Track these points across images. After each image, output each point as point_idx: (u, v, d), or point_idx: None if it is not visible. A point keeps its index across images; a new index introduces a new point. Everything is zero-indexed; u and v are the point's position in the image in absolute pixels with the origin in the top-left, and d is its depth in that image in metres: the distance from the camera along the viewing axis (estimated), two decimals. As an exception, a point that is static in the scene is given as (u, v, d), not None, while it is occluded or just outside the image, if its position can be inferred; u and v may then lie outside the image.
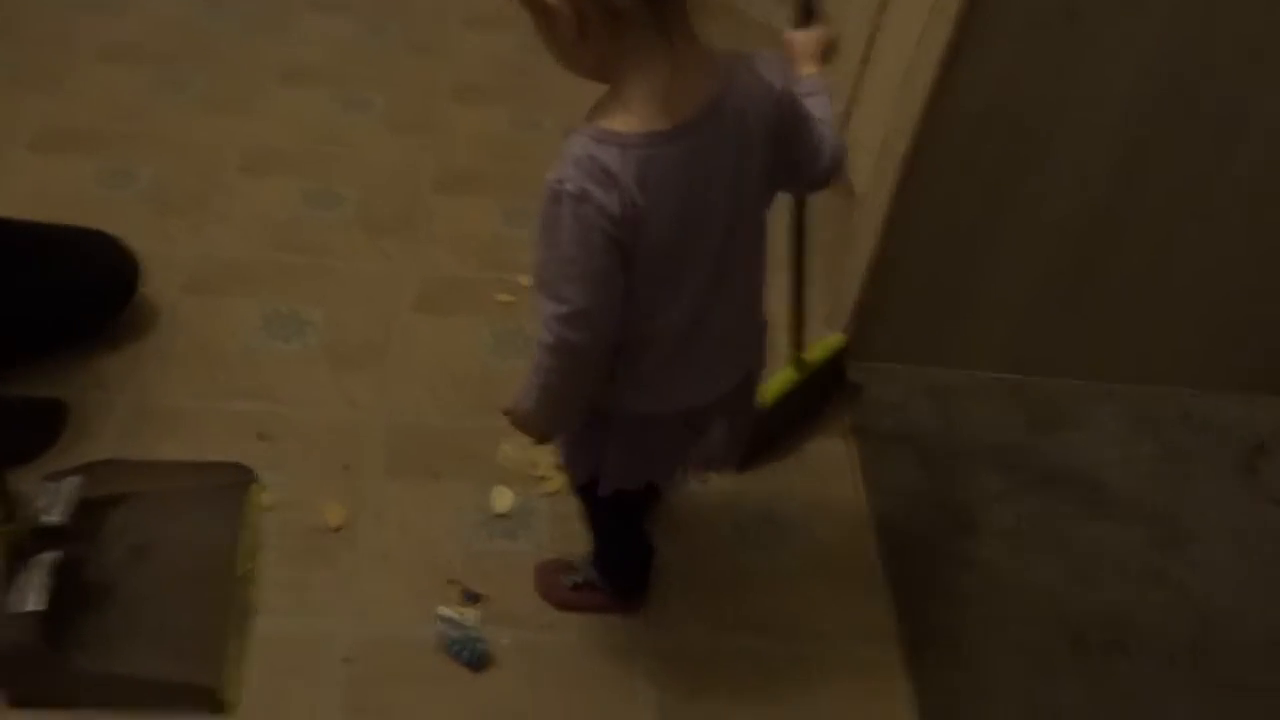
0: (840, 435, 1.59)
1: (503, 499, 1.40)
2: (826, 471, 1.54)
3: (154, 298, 1.59)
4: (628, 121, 0.82)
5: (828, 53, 1.06)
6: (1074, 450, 1.65)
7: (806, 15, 1.09)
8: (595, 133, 0.83)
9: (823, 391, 1.58)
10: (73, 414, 1.40)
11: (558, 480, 1.42)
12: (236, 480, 1.34)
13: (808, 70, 1.04)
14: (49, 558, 1.09)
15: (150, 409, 1.44)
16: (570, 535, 1.33)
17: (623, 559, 1.30)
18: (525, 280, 1.73)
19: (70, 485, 1.15)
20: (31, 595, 1.05)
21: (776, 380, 1.47)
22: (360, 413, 1.49)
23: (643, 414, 1.01)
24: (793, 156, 0.95)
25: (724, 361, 1.03)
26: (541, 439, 1.04)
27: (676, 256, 0.89)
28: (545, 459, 1.44)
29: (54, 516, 1.12)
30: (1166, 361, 1.73)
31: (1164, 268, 1.60)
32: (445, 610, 1.25)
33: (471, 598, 1.29)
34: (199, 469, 1.34)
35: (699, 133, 0.84)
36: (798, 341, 1.48)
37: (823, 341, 1.57)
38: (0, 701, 1.10)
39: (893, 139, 1.48)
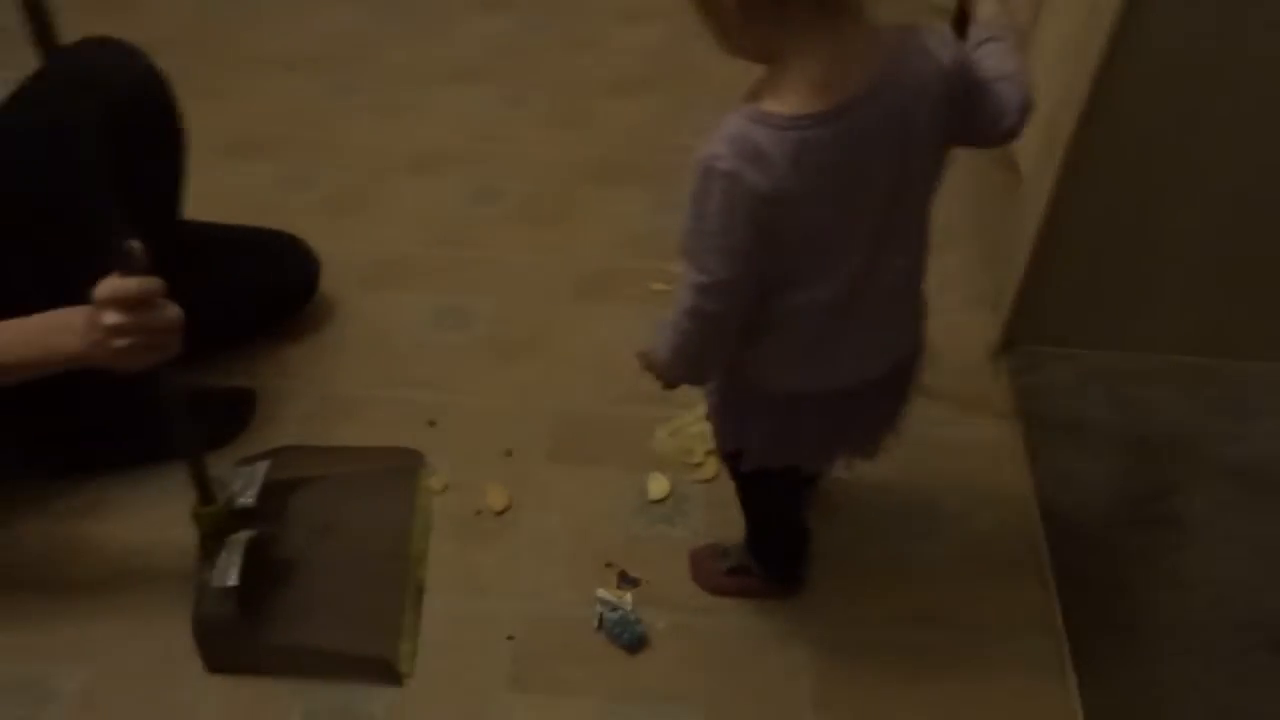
0: (1007, 420, 1.54)
1: (658, 485, 1.42)
2: (992, 458, 1.49)
3: (332, 294, 1.69)
4: (786, 102, 0.83)
5: None
6: (1263, 437, 1.54)
7: None
8: (751, 113, 0.83)
9: None
10: (261, 401, 1.50)
11: (713, 466, 1.43)
12: (408, 464, 1.41)
13: (986, 11, 1.01)
14: (243, 537, 1.17)
15: (330, 397, 1.53)
16: (725, 521, 1.33)
17: (777, 543, 1.30)
18: (678, 268, 1.74)
19: (260, 470, 1.25)
20: (230, 572, 1.13)
21: None
22: (523, 400, 1.55)
23: (791, 392, 1.01)
24: (972, 125, 0.92)
25: (877, 343, 1.02)
26: (670, 385, 1.07)
27: (831, 235, 0.89)
28: (700, 445, 1.46)
29: (247, 499, 1.21)
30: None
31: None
32: (603, 593, 1.29)
33: (629, 581, 1.31)
34: (373, 454, 1.42)
35: (859, 113, 0.83)
36: None
37: None
38: (199, 668, 1.20)
39: (1060, 112, 1.42)
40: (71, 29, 1.29)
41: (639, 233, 1.85)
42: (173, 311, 1.00)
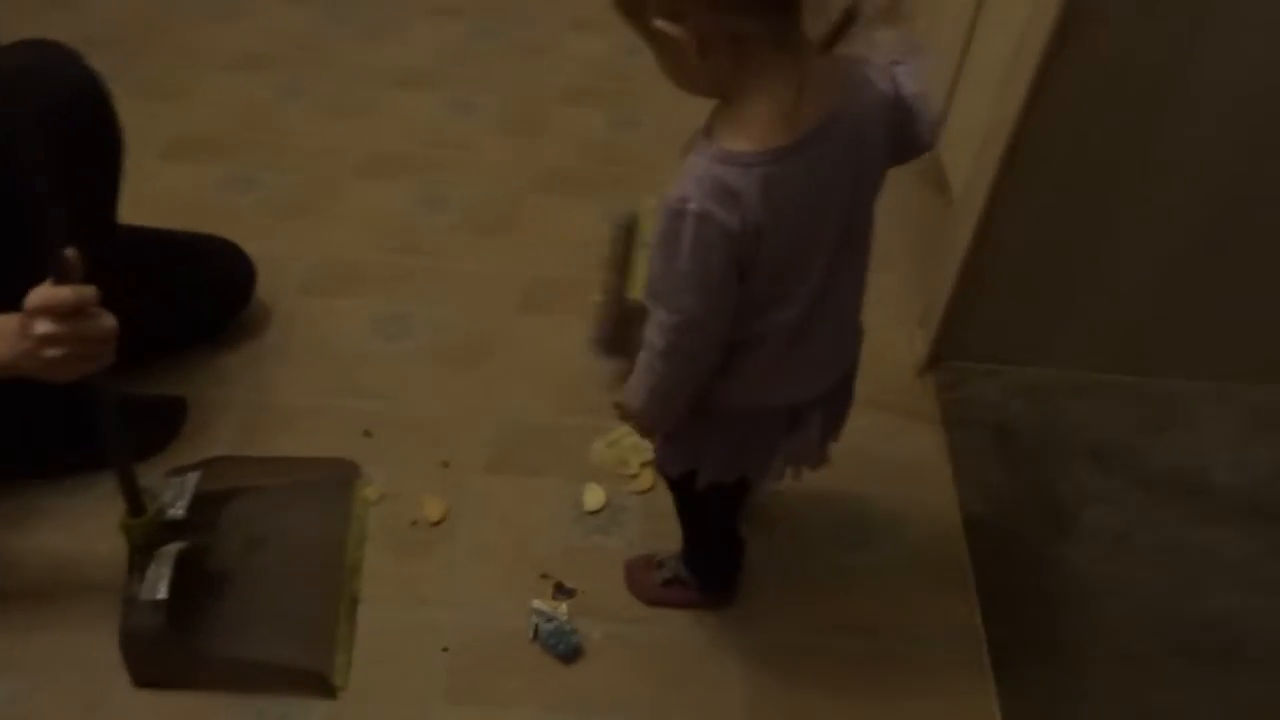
0: (934, 434, 1.57)
1: (594, 496, 1.44)
2: (920, 472, 1.53)
3: (271, 299, 1.68)
4: (749, 138, 0.85)
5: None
6: (1182, 452, 1.59)
7: None
8: (717, 153, 0.85)
9: None
10: (193, 410, 1.49)
11: (648, 478, 1.45)
12: (343, 475, 1.42)
13: (889, 35, 1.03)
14: (173, 549, 1.17)
15: (265, 406, 1.53)
16: (661, 533, 1.35)
17: (714, 554, 1.32)
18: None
19: (191, 481, 1.24)
20: (160, 585, 1.13)
21: None
22: (463, 410, 1.55)
23: (746, 408, 1.04)
24: (901, 145, 0.96)
25: (829, 359, 1.06)
26: (648, 433, 1.09)
27: (793, 262, 0.92)
28: (636, 457, 1.47)
29: (178, 511, 1.20)
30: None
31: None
32: (539, 603, 1.30)
33: (564, 592, 1.33)
34: (308, 464, 1.42)
35: (819, 144, 0.86)
36: None
37: None
38: (129, 681, 1.19)
39: (994, 129, 1.45)
40: (12, 27, 1.30)
41: (585, 243, 1.86)
42: (107, 321, 0.99)
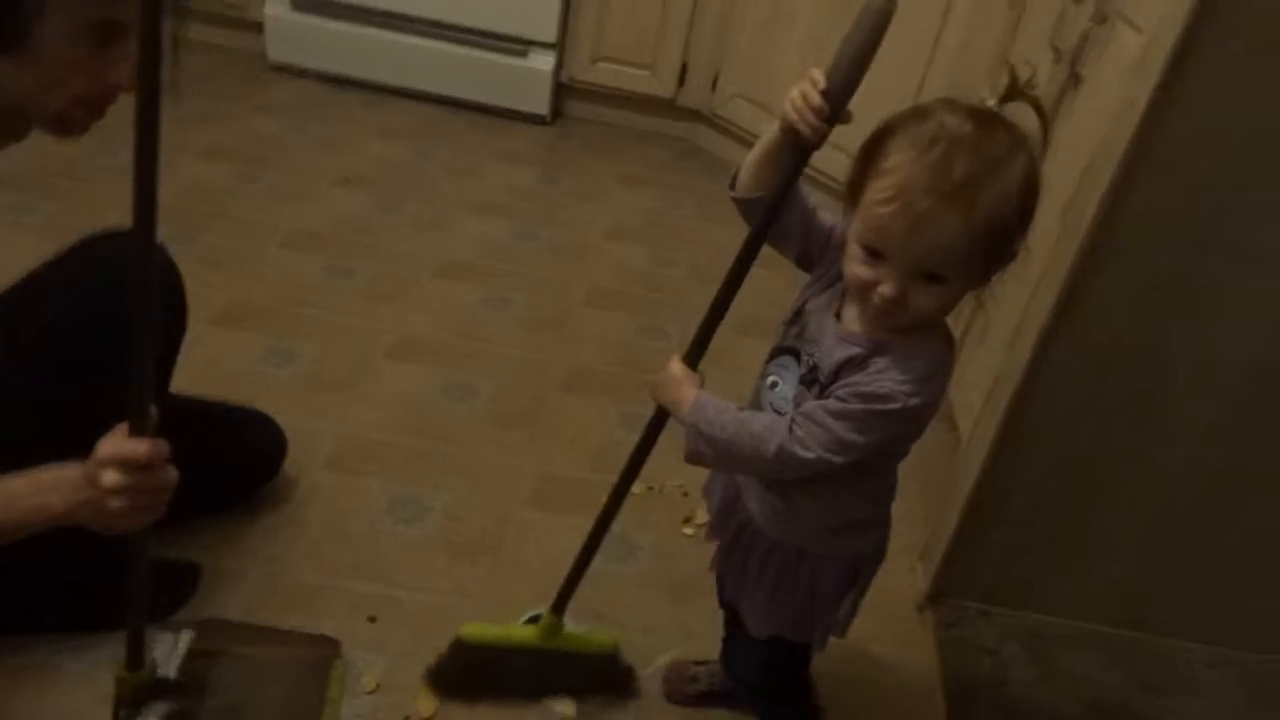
0: (931, 671, 1.58)
1: (566, 708, 1.45)
2: (913, 708, 1.53)
3: (296, 471, 1.73)
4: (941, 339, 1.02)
5: None
6: (1184, 717, 1.59)
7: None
8: (937, 355, 1.00)
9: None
10: (205, 577, 1.52)
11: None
12: (324, 654, 1.43)
13: None
14: (161, 709, 1.18)
15: (277, 580, 1.55)
16: None
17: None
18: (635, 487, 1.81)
19: (184, 640, 1.25)
20: (148, 744, 1.14)
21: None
22: (468, 602, 1.57)
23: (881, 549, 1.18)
24: None
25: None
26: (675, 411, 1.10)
27: None
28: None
29: (168, 671, 1.21)
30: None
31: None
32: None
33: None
34: (294, 638, 1.45)
35: None
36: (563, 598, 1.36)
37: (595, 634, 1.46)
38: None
39: (1004, 380, 1.53)
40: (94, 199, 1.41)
41: (601, 445, 1.93)
42: (171, 474, 1.02)
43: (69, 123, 1.08)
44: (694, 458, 1.07)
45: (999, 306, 1.67)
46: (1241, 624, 1.67)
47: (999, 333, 1.66)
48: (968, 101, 0.95)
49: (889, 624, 1.64)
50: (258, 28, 3.17)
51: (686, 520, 1.80)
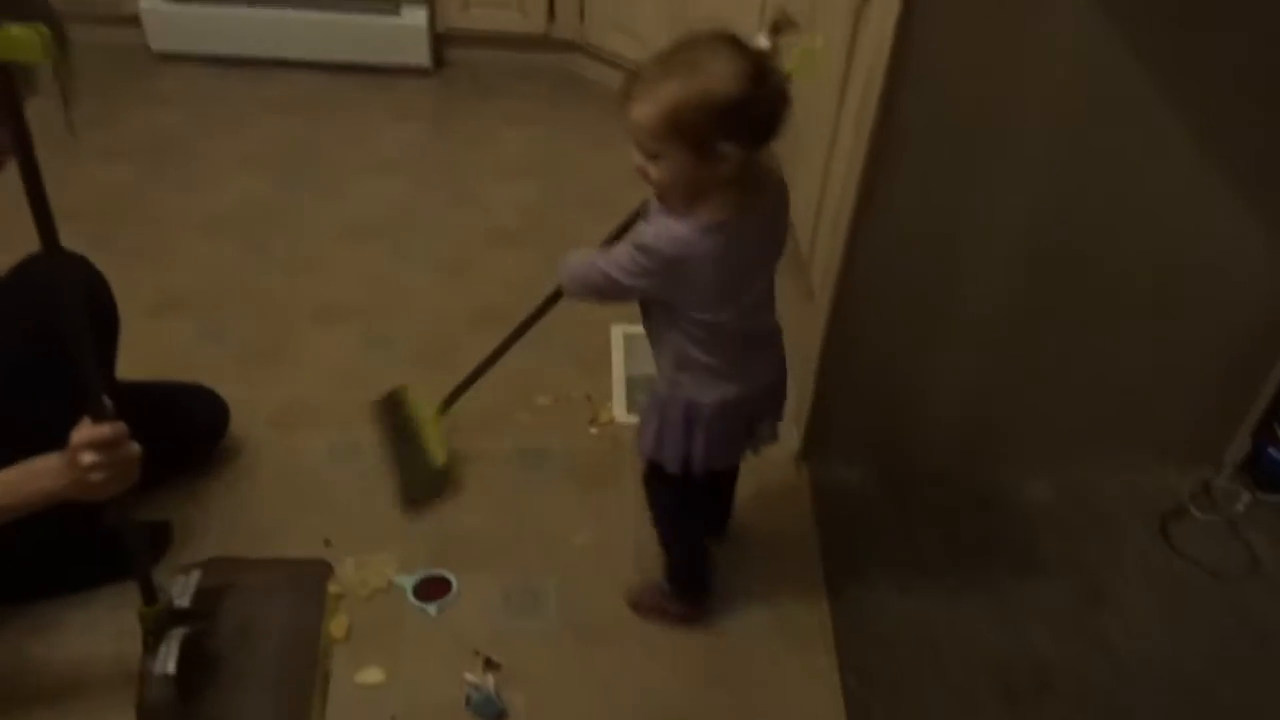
0: (806, 522, 1.89)
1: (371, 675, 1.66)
2: (794, 546, 1.85)
3: (242, 433, 1.98)
4: (706, 216, 1.27)
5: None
6: (1017, 523, 1.93)
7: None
8: (674, 230, 1.28)
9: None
10: (178, 530, 1.78)
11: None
12: (318, 572, 1.73)
13: None
14: (179, 632, 1.44)
15: (238, 525, 1.81)
16: (579, 623, 1.65)
17: (690, 559, 1.68)
18: (543, 400, 2.09)
19: (194, 577, 1.53)
20: (169, 661, 1.40)
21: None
22: (404, 522, 1.85)
23: (719, 401, 1.42)
24: None
25: (768, 358, 1.48)
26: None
27: (727, 287, 1.33)
28: (377, 580, 1.74)
29: (183, 601, 1.48)
30: (1087, 440, 2.01)
31: (1077, 358, 1.88)
32: (471, 676, 1.58)
33: (492, 666, 1.61)
34: (290, 564, 1.74)
35: (744, 220, 1.29)
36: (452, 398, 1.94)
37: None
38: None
39: (829, 263, 1.80)
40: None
41: (511, 371, 2.18)
42: (135, 448, 1.29)
43: None
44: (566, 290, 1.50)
45: (830, 197, 1.94)
46: (1051, 435, 2.00)
47: (828, 219, 1.93)
48: (722, 32, 1.24)
49: (774, 477, 1.97)
50: (135, 20, 3.26)
51: (592, 421, 2.08)
